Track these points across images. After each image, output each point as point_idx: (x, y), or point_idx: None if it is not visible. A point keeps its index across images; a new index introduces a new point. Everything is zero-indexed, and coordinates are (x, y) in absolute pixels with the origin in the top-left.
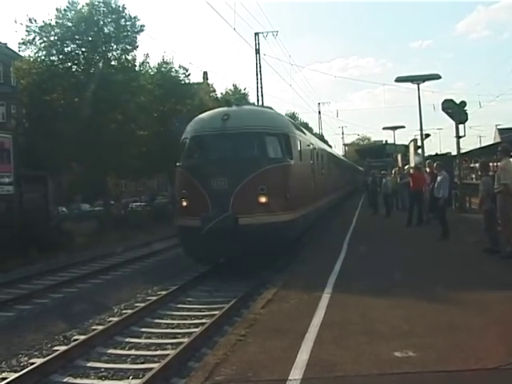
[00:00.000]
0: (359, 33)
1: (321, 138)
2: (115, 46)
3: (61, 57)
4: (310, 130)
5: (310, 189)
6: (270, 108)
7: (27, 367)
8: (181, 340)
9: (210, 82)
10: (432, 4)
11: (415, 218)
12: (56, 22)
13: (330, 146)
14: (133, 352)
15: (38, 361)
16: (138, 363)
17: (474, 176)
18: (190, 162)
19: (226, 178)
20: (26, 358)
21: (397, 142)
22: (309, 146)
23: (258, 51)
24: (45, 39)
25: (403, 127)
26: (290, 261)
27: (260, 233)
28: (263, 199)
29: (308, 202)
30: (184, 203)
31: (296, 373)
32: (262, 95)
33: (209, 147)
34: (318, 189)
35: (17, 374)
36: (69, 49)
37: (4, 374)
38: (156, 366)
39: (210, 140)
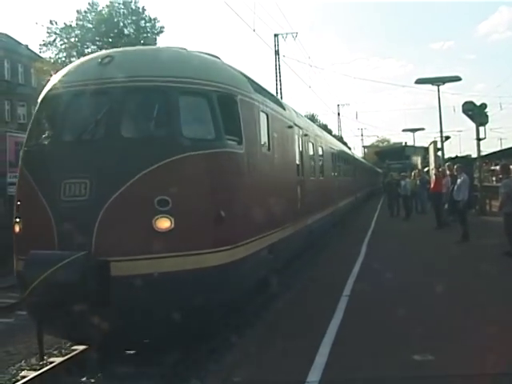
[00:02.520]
0: (380, 34)
1: (340, 139)
2: None
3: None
4: (328, 131)
5: (293, 198)
6: (214, 58)
7: None
8: None
9: None
10: (454, 5)
11: (437, 220)
12: (76, 24)
13: (349, 148)
14: None
15: None
16: None
17: (494, 179)
18: (31, 148)
19: (87, 178)
20: None
21: (416, 144)
22: (291, 128)
23: (277, 53)
24: (65, 41)
25: (423, 129)
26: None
27: (156, 295)
28: (164, 223)
29: (287, 221)
30: (17, 228)
31: None
32: (281, 97)
33: (65, 117)
34: (313, 197)
35: None
36: (89, 50)
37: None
38: None
39: (69, 103)
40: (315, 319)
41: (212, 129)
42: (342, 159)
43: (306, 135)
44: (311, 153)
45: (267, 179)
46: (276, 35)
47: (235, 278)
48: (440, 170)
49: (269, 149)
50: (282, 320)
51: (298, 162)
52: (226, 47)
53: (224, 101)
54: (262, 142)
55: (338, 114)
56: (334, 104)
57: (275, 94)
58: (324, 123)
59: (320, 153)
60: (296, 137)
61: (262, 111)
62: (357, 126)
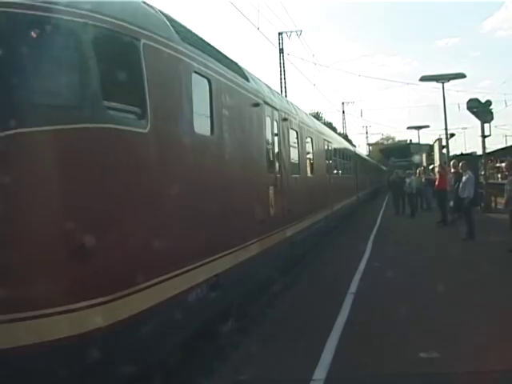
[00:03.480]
0: (385, 31)
1: (345, 137)
2: None
3: None
4: (333, 129)
5: (261, 204)
6: None
7: None
8: None
9: None
10: (458, 1)
11: (441, 217)
12: None
13: (354, 146)
14: None
15: None
16: None
17: (499, 176)
18: None
19: None
20: None
21: (421, 142)
22: (259, 106)
23: (281, 51)
24: None
25: (428, 126)
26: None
27: None
28: None
29: (247, 237)
30: None
31: None
32: (285, 95)
33: None
34: (297, 200)
35: None
36: None
37: None
38: None
39: None
40: (321, 316)
41: (76, 87)
42: (340, 154)
43: (285, 119)
44: (294, 144)
45: (204, 178)
46: (280, 33)
47: (126, 353)
48: (441, 167)
49: (211, 132)
50: (288, 318)
51: (270, 156)
52: (231, 46)
53: (110, 43)
54: (196, 121)
55: (343, 111)
56: (338, 102)
57: (280, 93)
58: (329, 121)
59: (308, 145)
60: (268, 120)
61: (199, 73)
62: (361, 123)
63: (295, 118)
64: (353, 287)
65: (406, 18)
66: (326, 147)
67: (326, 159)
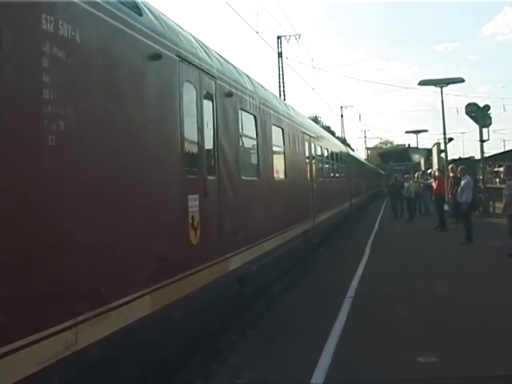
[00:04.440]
0: (384, 36)
1: (343, 141)
2: None
3: None
4: (332, 133)
5: (166, 229)
6: None
7: None
8: None
9: None
10: (458, 6)
11: (439, 222)
12: None
13: (353, 150)
14: None
15: None
16: None
17: (497, 180)
18: None
19: None
20: None
21: (420, 146)
22: (160, 61)
23: (280, 55)
24: None
25: (426, 131)
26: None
27: None
28: None
29: (139, 286)
30: None
31: None
32: (284, 99)
33: None
34: (251, 215)
35: None
36: None
37: None
38: None
39: None
40: (320, 320)
41: None
42: (329, 154)
43: (229, 95)
44: (250, 134)
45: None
46: (279, 37)
47: None
48: (439, 171)
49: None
50: (287, 321)
51: (194, 148)
52: (230, 49)
53: None
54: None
55: (341, 115)
56: (337, 106)
57: (278, 96)
58: (327, 125)
59: (277, 138)
60: (189, 89)
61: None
62: (360, 127)
63: (252, 97)
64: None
65: (406, 23)
66: (307, 144)
67: (308, 159)
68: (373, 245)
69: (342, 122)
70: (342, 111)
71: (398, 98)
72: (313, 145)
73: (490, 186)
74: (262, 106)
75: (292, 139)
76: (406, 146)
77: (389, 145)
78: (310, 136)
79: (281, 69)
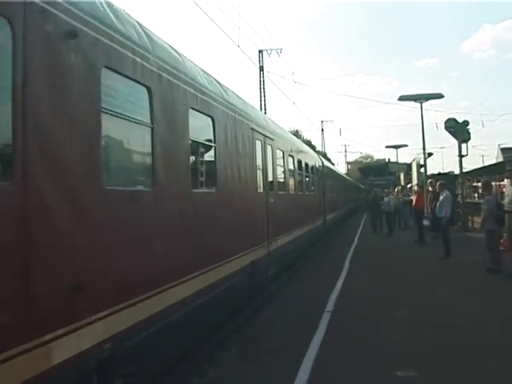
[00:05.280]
0: (366, 51)
1: (324, 155)
2: None
3: None
4: (312, 147)
5: None
6: None
7: None
8: None
9: None
10: (438, 23)
11: (418, 236)
12: None
13: (333, 164)
14: None
15: None
16: None
17: (476, 195)
18: None
19: None
20: None
21: (399, 161)
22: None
23: (261, 68)
24: None
25: (406, 146)
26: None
27: None
28: None
29: None
30: None
31: None
32: (265, 112)
33: None
34: (161, 248)
35: None
36: None
37: None
38: None
39: None
40: (298, 333)
41: None
42: (296, 163)
43: (68, 36)
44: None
45: None
46: (261, 51)
47: None
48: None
49: None
50: (265, 335)
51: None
52: (211, 62)
53: None
54: None
55: (322, 130)
56: (318, 120)
57: (259, 109)
58: (308, 139)
59: (193, 128)
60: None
61: None
62: (340, 142)
63: (139, 53)
64: None
65: (387, 39)
66: (261, 146)
67: (262, 166)
68: (351, 259)
69: (323, 137)
70: (322, 125)
71: (378, 113)
72: (269, 148)
73: (468, 200)
74: (164, 74)
75: (231, 135)
76: (386, 160)
77: (369, 159)
78: (265, 136)
79: (262, 83)
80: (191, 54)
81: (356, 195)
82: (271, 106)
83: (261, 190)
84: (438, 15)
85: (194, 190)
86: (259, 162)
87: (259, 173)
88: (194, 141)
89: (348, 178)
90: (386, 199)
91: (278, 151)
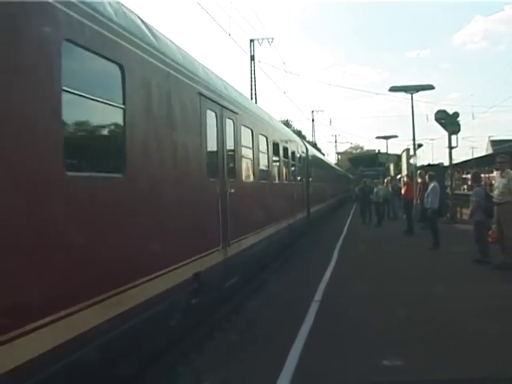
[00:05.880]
0: (358, 41)
1: (314, 145)
2: None
3: None
4: (302, 137)
5: None
6: None
7: None
8: None
9: None
10: (430, 14)
11: (407, 227)
12: None
13: (323, 154)
14: None
15: None
16: None
17: (465, 187)
18: None
19: None
20: None
21: (389, 152)
22: None
23: (252, 58)
24: None
25: (396, 136)
26: None
27: None
28: None
29: None
30: None
31: None
32: (255, 102)
33: None
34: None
35: None
36: None
37: None
38: None
39: None
40: (286, 323)
41: None
42: (269, 146)
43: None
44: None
45: None
46: (252, 40)
47: None
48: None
49: None
50: (255, 323)
51: None
52: (202, 51)
53: None
54: None
55: (313, 120)
56: (308, 110)
57: (250, 99)
58: (298, 129)
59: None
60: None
61: None
62: (331, 132)
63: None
64: None
65: (379, 29)
66: (215, 119)
67: (217, 147)
68: (340, 249)
69: (313, 127)
70: (312, 115)
71: (369, 104)
72: (230, 123)
73: (457, 192)
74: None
75: (159, 98)
76: (376, 151)
77: (359, 150)
78: (223, 107)
79: (253, 72)
80: (180, 41)
81: (345, 185)
82: (262, 96)
83: (214, 177)
84: (431, 6)
85: (69, 174)
86: (212, 140)
87: (212, 155)
88: (71, 93)
89: (337, 167)
90: (375, 189)
91: (244, 129)
